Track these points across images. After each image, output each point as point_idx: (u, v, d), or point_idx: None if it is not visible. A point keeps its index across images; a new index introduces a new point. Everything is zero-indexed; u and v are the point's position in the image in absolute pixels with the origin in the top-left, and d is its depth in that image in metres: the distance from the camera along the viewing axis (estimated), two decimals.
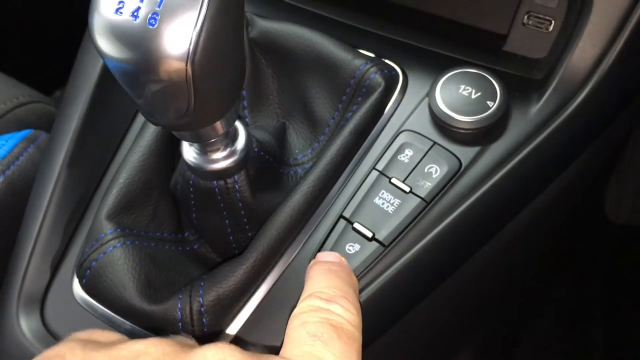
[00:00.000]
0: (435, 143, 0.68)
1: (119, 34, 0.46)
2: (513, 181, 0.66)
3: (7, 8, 1.57)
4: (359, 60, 0.72)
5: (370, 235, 0.64)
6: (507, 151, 0.67)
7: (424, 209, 0.65)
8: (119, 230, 0.66)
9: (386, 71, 0.72)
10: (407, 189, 0.66)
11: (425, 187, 0.66)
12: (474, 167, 0.67)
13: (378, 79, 0.71)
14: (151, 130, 0.71)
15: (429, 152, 0.68)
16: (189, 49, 0.46)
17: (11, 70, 1.06)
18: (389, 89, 0.71)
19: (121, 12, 0.46)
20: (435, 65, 0.73)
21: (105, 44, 0.47)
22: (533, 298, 1.17)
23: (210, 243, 0.71)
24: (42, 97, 1.00)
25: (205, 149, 0.61)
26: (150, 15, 0.45)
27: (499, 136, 0.68)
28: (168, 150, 0.72)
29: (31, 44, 1.70)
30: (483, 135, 0.68)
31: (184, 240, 0.73)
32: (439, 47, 0.76)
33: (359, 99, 0.72)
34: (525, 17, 0.76)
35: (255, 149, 0.66)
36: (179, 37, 0.46)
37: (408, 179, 0.67)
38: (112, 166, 0.73)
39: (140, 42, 0.46)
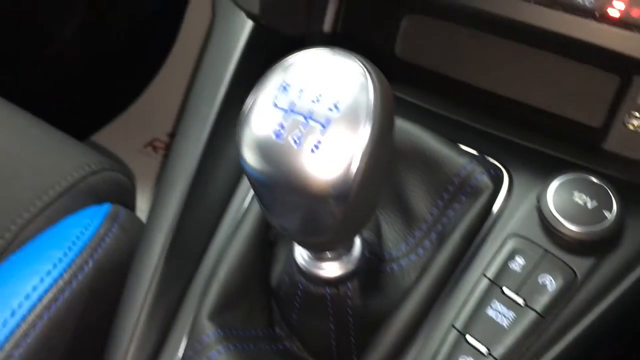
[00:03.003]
0: (547, 251, 0.66)
1: (277, 158, 0.44)
2: (633, 296, 0.64)
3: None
4: (463, 158, 0.70)
5: (485, 351, 0.61)
6: (624, 264, 0.65)
7: (540, 324, 0.62)
8: (219, 331, 0.63)
9: (492, 171, 0.70)
10: (522, 302, 0.63)
11: (541, 300, 0.63)
12: (590, 280, 0.64)
13: (485, 180, 0.69)
14: (250, 221, 0.69)
15: (542, 261, 0.65)
16: (350, 179, 0.44)
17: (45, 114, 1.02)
18: (496, 191, 0.69)
19: (281, 137, 0.44)
20: (540, 165, 0.71)
21: (260, 165, 0.45)
22: None
23: (305, 343, 0.69)
24: (111, 163, 0.99)
25: (321, 256, 0.59)
26: (314, 143, 0.43)
27: (615, 247, 0.66)
28: (266, 243, 0.70)
29: (68, 89, 1.70)
30: (598, 246, 0.65)
31: (275, 337, 0.70)
32: (539, 143, 0.75)
33: (463, 198, 0.70)
34: (626, 116, 0.75)
35: (366, 253, 0.63)
36: (341, 167, 0.44)
37: (521, 290, 0.64)
38: (208, 256, 0.70)
39: (300, 169, 0.44)
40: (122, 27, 1.73)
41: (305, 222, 0.48)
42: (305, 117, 0.44)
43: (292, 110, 0.44)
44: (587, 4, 0.68)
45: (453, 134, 0.74)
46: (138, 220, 0.87)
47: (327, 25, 0.77)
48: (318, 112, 0.44)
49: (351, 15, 0.80)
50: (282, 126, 0.44)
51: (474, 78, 0.80)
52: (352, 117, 0.44)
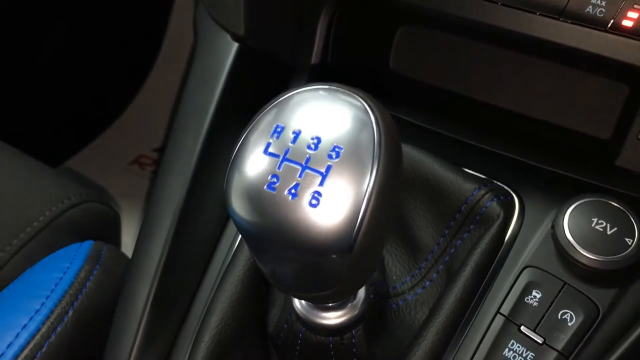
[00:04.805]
0: (566, 283, 0.61)
1: (272, 214, 0.39)
2: None
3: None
4: (470, 184, 0.65)
5: None
6: None
7: None
8: None
9: (502, 197, 0.65)
10: (541, 340, 0.58)
11: (561, 338, 0.58)
12: (614, 313, 0.59)
13: (495, 207, 0.64)
14: (242, 260, 0.64)
15: (560, 294, 0.60)
16: (354, 230, 0.39)
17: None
18: (508, 218, 0.64)
19: (274, 188, 0.39)
20: (552, 187, 0.67)
21: (250, 218, 0.40)
22: None
23: None
24: (91, 194, 0.93)
25: (323, 305, 0.53)
26: (312, 196, 0.38)
27: (639, 276, 0.61)
28: (261, 284, 0.64)
29: (50, 108, 1.64)
30: (621, 275, 0.61)
31: None
32: (550, 163, 0.70)
33: (472, 226, 0.65)
34: None
35: (371, 295, 0.58)
36: (345, 219, 0.38)
37: (540, 327, 0.59)
38: (197, 302, 0.65)
39: (297, 224, 0.39)
40: (103, 44, 1.67)
41: (303, 277, 0.43)
42: (301, 165, 0.38)
43: (286, 158, 0.38)
44: (597, 14, 0.64)
45: (457, 157, 0.69)
46: (123, 257, 0.81)
47: (317, 46, 0.72)
48: (316, 158, 0.39)
49: (343, 32, 0.74)
50: (275, 176, 0.39)
51: (476, 91, 0.76)
52: (355, 162, 0.39)
